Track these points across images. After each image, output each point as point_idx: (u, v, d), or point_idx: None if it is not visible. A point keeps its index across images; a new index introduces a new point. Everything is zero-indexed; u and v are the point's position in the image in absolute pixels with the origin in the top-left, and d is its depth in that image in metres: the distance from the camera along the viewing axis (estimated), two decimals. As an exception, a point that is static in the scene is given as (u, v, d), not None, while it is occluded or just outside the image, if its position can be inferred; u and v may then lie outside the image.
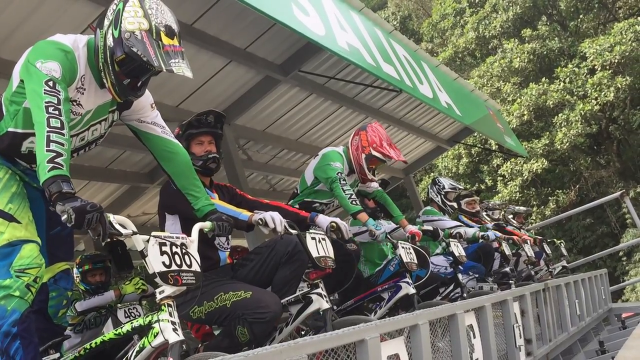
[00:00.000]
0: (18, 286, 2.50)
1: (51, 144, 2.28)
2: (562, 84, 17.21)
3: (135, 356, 2.44)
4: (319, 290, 3.36)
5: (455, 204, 6.97)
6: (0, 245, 2.54)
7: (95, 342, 2.63)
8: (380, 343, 2.82)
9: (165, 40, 2.51)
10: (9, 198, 2.63)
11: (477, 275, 6.05)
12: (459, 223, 6.60)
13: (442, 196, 6.82)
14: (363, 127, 4.92)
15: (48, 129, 2.30)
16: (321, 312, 3.31)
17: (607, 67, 16.78)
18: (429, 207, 6.79)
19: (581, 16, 19.62)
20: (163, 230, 3.38)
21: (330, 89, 7.79)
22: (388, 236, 4.51)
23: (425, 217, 6.58)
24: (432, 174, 20.06)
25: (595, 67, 17.07)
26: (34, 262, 2.56)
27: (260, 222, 3.18)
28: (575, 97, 17.02)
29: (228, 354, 2.35)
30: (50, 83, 2.43)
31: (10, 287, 2.49)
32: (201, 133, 3.54)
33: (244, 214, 3.27)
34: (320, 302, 3.33)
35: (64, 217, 2.16)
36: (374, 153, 4.76)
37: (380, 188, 5.43)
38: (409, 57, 7.22)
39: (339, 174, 4.58)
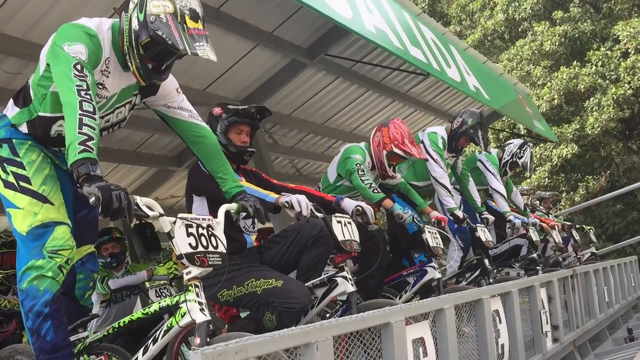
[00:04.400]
0: (50, 267, 2.54)
1: (83, 127, 2.29)
2: (594, 67, 16.82)
3: (163, 335, 2.48)
4: (344, 273, 3.38)
5: (510, 173, 7.03)
6: (34, 226, 2.58)
7: (124, 321, 2.67)
8: (405, 326, 2.82)
9: (190, 23, 2.52)
10: (43, 180, 2.68)
11: (462, 246, 5.97)
12: (502, 186, 6.56)
13: (510, 162, 6.92)
14: (385, 124, 4.88)
15: (81, 112, 2.32)
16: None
17: (641, 50, 16.41)
18: (494, 153, 6.81)
19: (615, -3, 19.12)
20: (190, 212, 3.42)
21: (357, 72, 7.75)
22: (415, 220, 4.49)
23: (485, 160, 6.59)
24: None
25: (629, 50, 16.63)
26: (66, 243, 2.60)
27: (287, 205, 3.19)
28: (607, 81, 16.62)
29: (254, 335, 2.38)
30: (79, 67, 2.44)
31: (43, 267, 2.54)
32: (243, 122, 3.57)
33: (271, 195, 3.28)
34: (346, 285, 3.35)
35: (91, 199, 2.18)
36: (396, 150, 4.73)
37: (403, 180, 5.34)
38: (436, 40, 7.13)
39: (358, 164, 4.56)
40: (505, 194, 6.53)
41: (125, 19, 2.61)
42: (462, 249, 5.90)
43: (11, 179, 2.66)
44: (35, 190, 2.63)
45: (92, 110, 2.36)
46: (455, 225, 5.61)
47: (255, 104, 3.61)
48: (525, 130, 15.24)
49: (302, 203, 3.18)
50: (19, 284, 2.59)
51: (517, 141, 7.14)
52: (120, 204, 2.17)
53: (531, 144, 7.69)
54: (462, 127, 5.80)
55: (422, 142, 5.66)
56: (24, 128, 2.76)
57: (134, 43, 2.58)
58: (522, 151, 6.96)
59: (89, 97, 2.38)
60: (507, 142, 7.46)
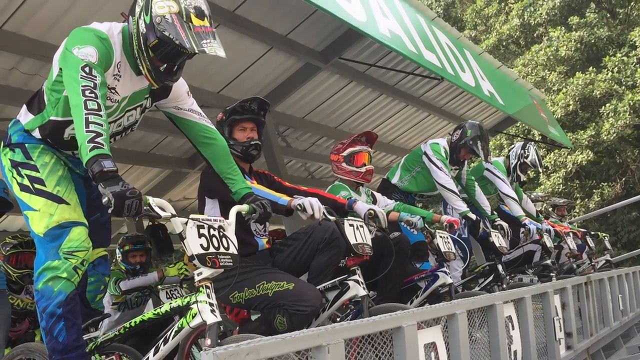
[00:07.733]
0: (66, 268, 2.56)
1: (90, 125, 2.31)
2: (610, 73, 16.69)
3: (174, 336, 2.49)
4: (356, 276, 3.36)
5: (522, 177, 7.02)
6: (50, 227, 2.60)
7: (135, 322, 2.67)
8: (417, 331, 2.81)
9: (196, 21, 2.52)
10: (57, 181, 2.70)
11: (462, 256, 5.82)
12: (512, 191, 6.53)
13: (520, 163, 6.87)
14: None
15: (86, 111, 2.34)
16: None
17: (658, 57, 16.28)
18: (500, 160, 6.81)
19: (632, 3, 18.95)
20: (202, 214, 3.42)
21: (371, 76, 7.74)
22: (426, 225, 4.46)
23: (492, 168, 6.54)
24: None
25: (646, 56, 16.55)
26: (82, 245, 2.62)
27: (300, 208, 3.18)
28: (623, 87, 16.49)
29: (265, 337, 2.37)
30: (87, 69, 2.46)
31: (58, 268, 2.56)
32: (244, 119, 3.55)
33: (283, 198, 3.28)
34: (357, 288, 3.34)
35: (104, 200, 2.20)
36: (348, 151, 4.63)
37: (397, 202, 5.03)
38: (451, 44, 7.11)
39: (348, 199, 4.49)
40: (517, 198, 6.51)
41: (132, 23, 2.63)
42: (462, 258, 5.85)
43: (26, 182, 2.68)
44: (50, 192, 2.66)
45: (97, 108, 2.37)
46: (456, 235, 5.55)
47: (250, 97, 3.57)
48: (540, 136, 15.15)
49: (314, 206, 3.17)
50: (35, 284, 2.61)
51: (518, 144, 7.14)
52: (129, 213, 2.20)
53: (532, 142, 7.67)
54: (462, 140, 5.75)
55: (425, 153, 5.64)
56: (36, 133, 2.78)
57: (143, 46, 2.59)
58: (526, 150, 6.94)
59: (93, 95, 2.39)
60: (509, 149, 7.47)
